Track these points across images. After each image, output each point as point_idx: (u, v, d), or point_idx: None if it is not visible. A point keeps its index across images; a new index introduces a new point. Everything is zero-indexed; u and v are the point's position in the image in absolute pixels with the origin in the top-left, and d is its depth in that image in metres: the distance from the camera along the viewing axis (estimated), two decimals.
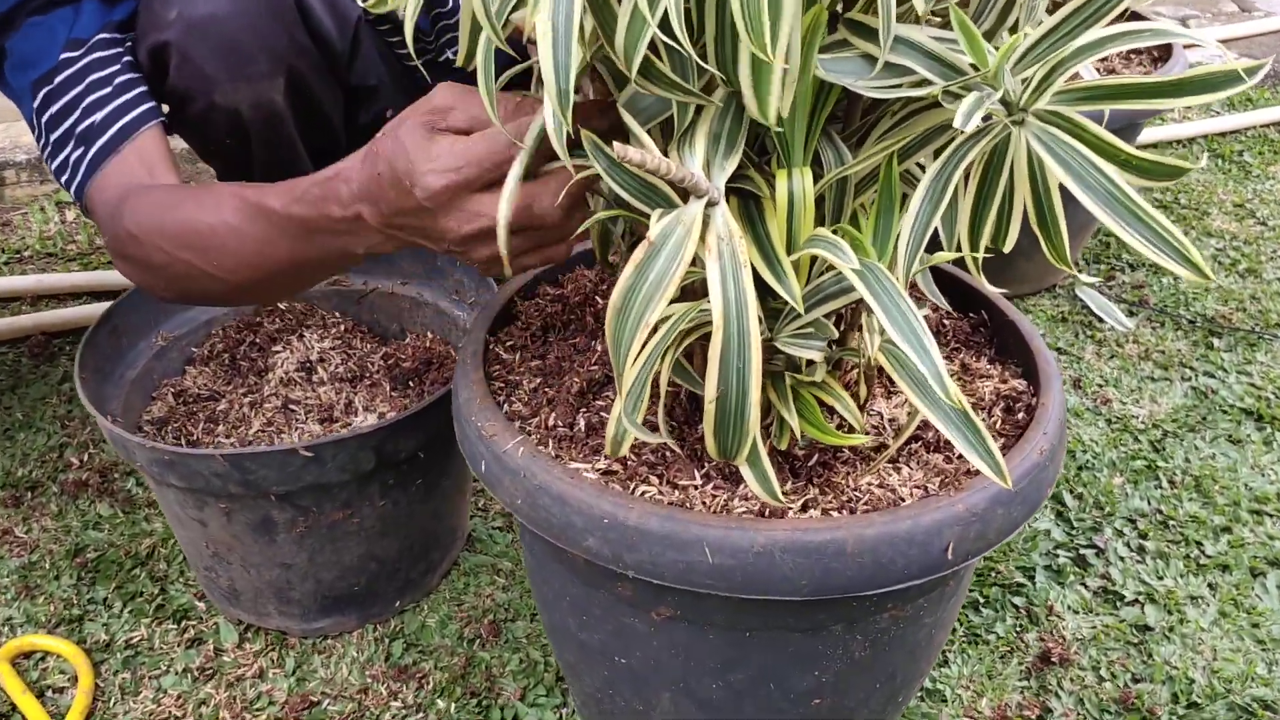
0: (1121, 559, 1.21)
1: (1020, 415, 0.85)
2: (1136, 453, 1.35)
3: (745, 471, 0.71)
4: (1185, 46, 2.00)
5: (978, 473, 0.77)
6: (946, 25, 0.74)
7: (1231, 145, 2.07)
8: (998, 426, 0.84)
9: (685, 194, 0.65)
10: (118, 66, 1.05)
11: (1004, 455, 0.78)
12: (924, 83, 0.68)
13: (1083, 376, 1.49)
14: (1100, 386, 1.47)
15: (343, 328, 1.25)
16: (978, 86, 0.68)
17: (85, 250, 1.81)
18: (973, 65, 0.69)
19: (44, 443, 1.38)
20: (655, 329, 0.68)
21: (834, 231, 0.72)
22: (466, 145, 0.71)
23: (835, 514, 0.75)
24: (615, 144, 0.59)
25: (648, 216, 0.66)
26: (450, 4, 1.26)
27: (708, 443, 0.70)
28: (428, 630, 1.12)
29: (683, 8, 0.56)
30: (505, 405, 0.85)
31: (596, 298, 0.99)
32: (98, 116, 1.02)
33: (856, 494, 0.77)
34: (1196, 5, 2.46)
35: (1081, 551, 1.22)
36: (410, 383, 1.19)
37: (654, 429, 0.78)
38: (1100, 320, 1.59)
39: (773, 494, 0.71)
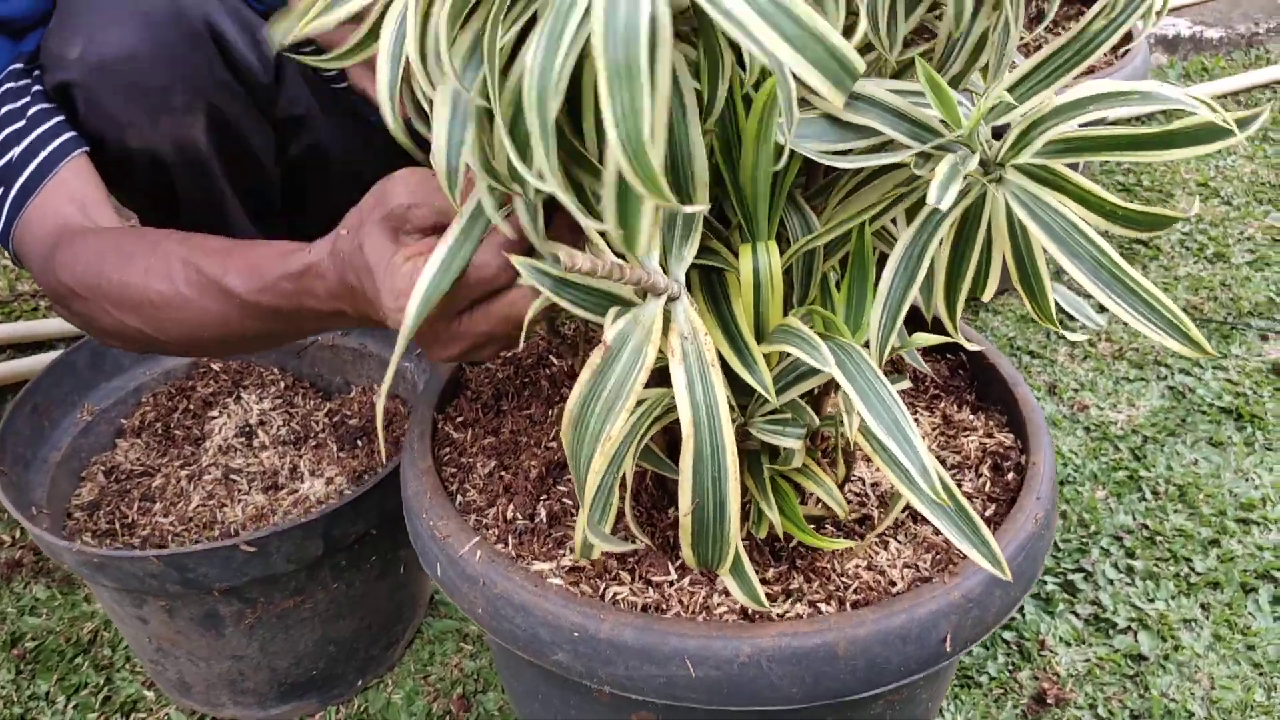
0: (1111, 581, 1.17)
1: (1010, 475, 0.79)
2: (1118, 462, 1.31)
3: (728, 581, 0.66)
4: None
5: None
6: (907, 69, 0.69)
7: None
8: (986, 489, 0.79)
9: (643, 289, 0.59)
10: (29, 98, 0.97)
11: (997, 527, 0.73)
12: (890, 145, 0.63)
13: (1057, 381, 1.44)
14: (1076, 391, 1.42)
15: (282, 385, 1.18)
16: (951, 146, 0.62)
17: (4, 298, 1.72)
18: (943, 122, 0.64)
19: None
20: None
21: (805, 308, 0.66)
22: None
23: (824, 607, 0.69)
24: (562, 251, 0.53)
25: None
26: None
27: (685, 554, 0.64)
28: (394, 708, 1.06)
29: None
30: (459, 495, 0.79)
31: (550, 357, 0.92)
32: (15, 152, 0.94)
33: (844, 580, 0.72)
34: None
35: (1070, 576, 1.17)
36: (359, 441, 1.12)
37: (620, 518, 0.71)
38: (1071, 318, 1.54)
39: (756, 599, 0.66)
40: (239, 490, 1.08)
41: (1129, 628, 1.12)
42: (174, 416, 1.13)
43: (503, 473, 0.80)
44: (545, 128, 0.45)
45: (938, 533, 0.76)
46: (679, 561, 0.72)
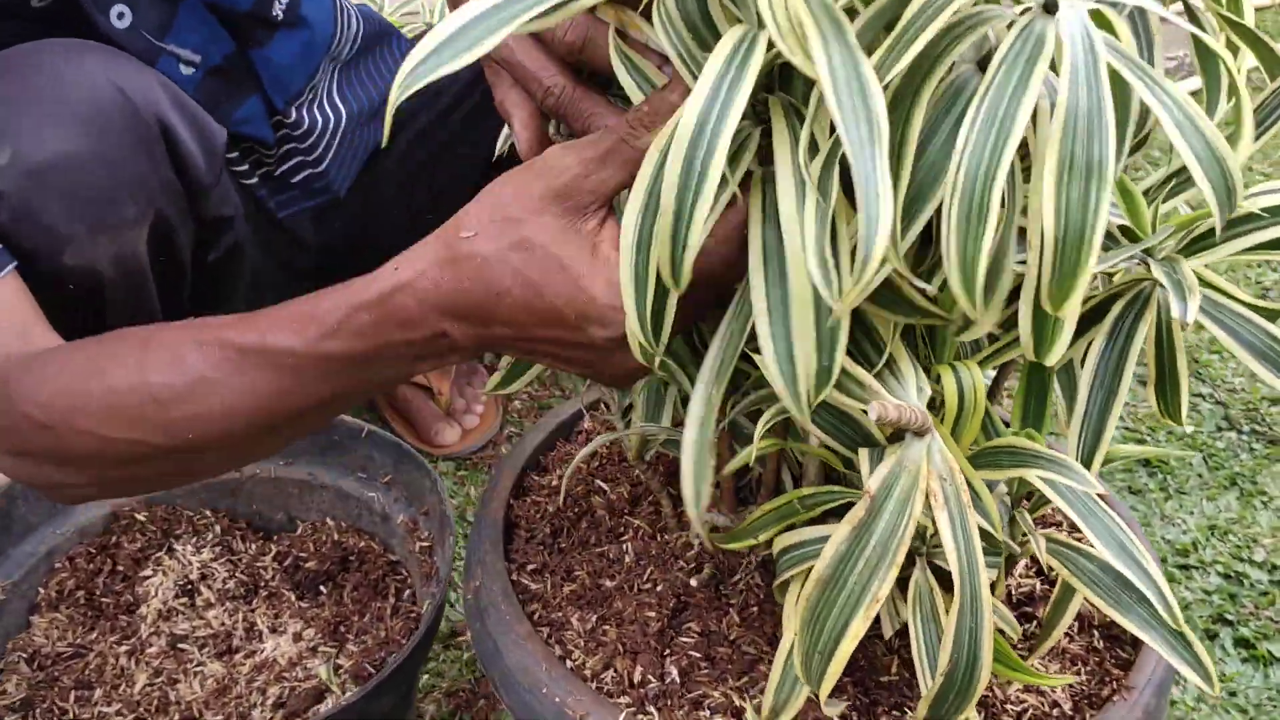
0: None
1: None
2: None
3: None
4: None
5: (1130, 661, 0.70)
6: None
7: None
8: None
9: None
10: None
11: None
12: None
13: None
14: None
15: (218, 529, 1.02)
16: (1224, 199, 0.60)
17: None
18: (1125, 230, 0.62)
19: None
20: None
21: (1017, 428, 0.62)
22: None
23: None
24: (873, 407, 0.46)
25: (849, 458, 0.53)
26: (305, 127, 1.07)
27: (920, 714, 0.57)
28: None
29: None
30: (565, 659, 0.69)
31: (598, 482, 0.83)
32: None
33: (1009, 707, 0.68)
34: None
35: None
36: (322, 587, 0.99)
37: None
38: None
39: None
40: (190, 661, 0.92)
41: None
42: (98, 581, 0.96)
43: (606, 626, 0.71)
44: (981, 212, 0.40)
45: (1071, 640, 0.73)
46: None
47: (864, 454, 0.53)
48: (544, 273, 0.54)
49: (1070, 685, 0.69)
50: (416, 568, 0.96)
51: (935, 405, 0.58)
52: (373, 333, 0.59)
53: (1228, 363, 1.63)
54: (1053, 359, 0.49)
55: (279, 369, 0.62)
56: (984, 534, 0.62)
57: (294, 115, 1.07)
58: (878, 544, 0.51)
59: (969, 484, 0.57)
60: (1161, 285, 0.58)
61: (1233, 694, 1.13)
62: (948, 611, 0.54)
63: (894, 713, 0.66)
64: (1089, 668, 0.71)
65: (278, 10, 1.00)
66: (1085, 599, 0.65)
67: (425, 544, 0.96)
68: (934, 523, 0.52)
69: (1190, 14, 0.67)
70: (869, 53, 0.44)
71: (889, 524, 0.51)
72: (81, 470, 0.69)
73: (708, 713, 0.66)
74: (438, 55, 0.46)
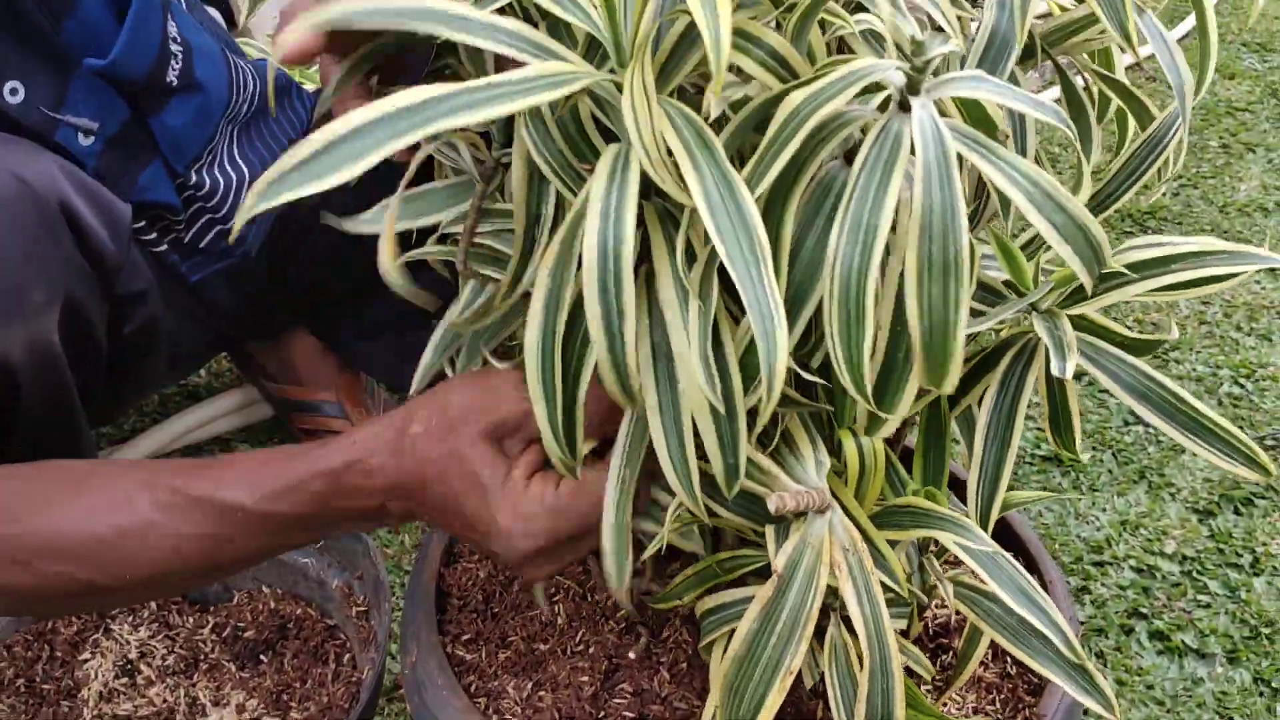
0: None
1: None
2: None
3: None
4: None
5: (1041, 686, 0.74)
6: None
7: None
8: None
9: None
10: None
11: None
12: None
13: None
14: None
15: (154, 605, 1.03)
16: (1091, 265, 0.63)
17: None
18: (1009, 284, 0.65)
19: None
20: None
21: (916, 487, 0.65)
22: (570, 503, 0.58)
23: None
24: (772, 499, 0.49)
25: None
26: (207, 188, 1.08)
27: None
28: None
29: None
30: None
31: None
32: None
33: None
34: None
35: None
36: (262, 657, 1.00)
37: None
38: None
39: None
40: None
41: None
42: (37, 668, 0.96)
43: (542, 693, 0.73)
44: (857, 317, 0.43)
45: (986, 668, 0.77)
46: None
47: (770, 531, 0.56)
48: (464, 486, 0.60)
49: (978, 710, 0.73)
50: (355, 632, 0.98)
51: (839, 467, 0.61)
52: (321, 499, 0.64)
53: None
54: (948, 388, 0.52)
55: (227, 521, 0.65)
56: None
57: (194, 178, 1.08)
58: (787, 620, 0.54)
59: (873, 544, 0.61)
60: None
61: (1150, 687, 1.18)
62: (862, 667, 0.57)
63: None
64: (1003, 695, 0.75)
65: (172, 76, 1.01)
66: None
67: (362, 608, 0.97)
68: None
69: (1062, 74, 0.71)
70: (740, 158, 0.47)
71: (796, 600, 0.54)
72: (4, 600, 0.70)
73: None
74: (300, 172, 0.44)
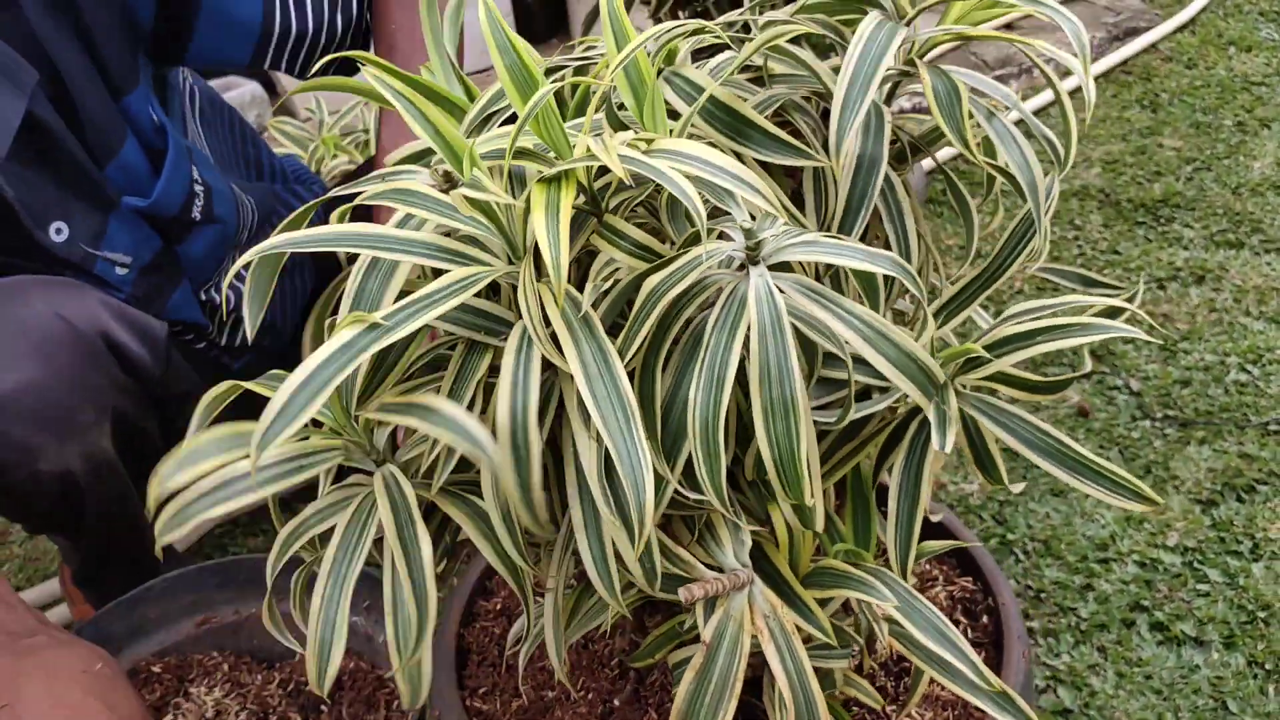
0: None
1: (984, 619, 0.91)
2: (988, 531, 1.47)
3: None
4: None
5: None
6: None
7: (933, 185, 2.27)
8: (971, 636, 0.90)
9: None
10: None
11: (1000, 671, 0.84)
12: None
13: None
14: None
15: (226, 667, 1.16)
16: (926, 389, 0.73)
17: None
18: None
19: None
20: None
21: (840, 546, 0.75)
22: None
23: None
24: (681, 590, 0.59)
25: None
26: (219, 304, 1.22)
27: None
28: None
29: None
30: None
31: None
32: None
33: None
34: None
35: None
36: (322, 707, 1.12)
37: None
38: None
39: None
40: None
41: (1049, 686, 1.26)
42: None
43: None
44: (713, 451, 0.52)
45: (943, 688, 0.86)
46: None
47: (698, 608, 0.66)
48: None
49: None
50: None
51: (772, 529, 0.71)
52: None
53: (1141, 350, 1.75)
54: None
55: None
56: (836, 631, 0.75)
57: (204, 297, 1.21)
58: (717, 682, 0.65)
59: (802, 602, 0.70)
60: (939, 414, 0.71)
61: (1149, 677, 1.26)
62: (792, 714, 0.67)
63: None
64: (956, 711, 0.84)
65: (196, 213, 1.14)
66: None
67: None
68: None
69: (943, 171, 0.80)
70: (618, 327, 0.57)
71: (724, 665, 0.65)
72: None
73: None
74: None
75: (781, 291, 0.55)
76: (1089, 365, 0.88)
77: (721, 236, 0.56)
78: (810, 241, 0.55)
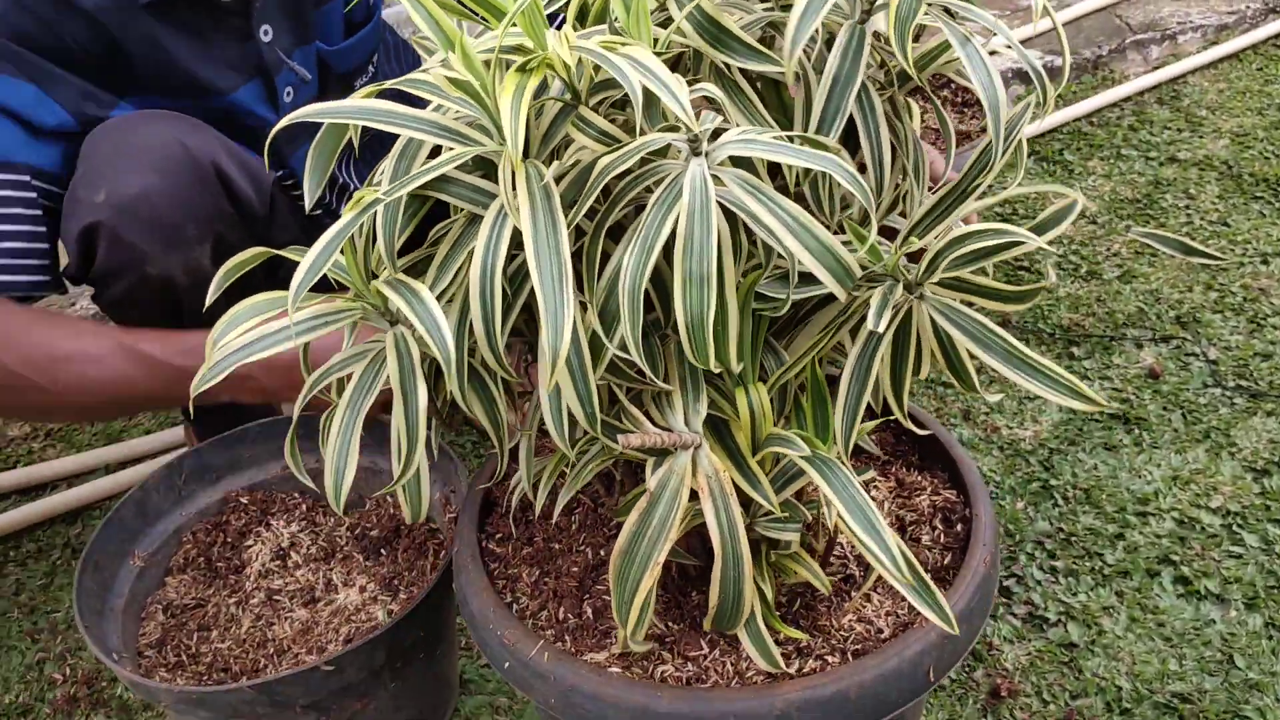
0: (1039, 582, 1.37)
1: (958, 527, 0.98)
2: (1031, 475, 1.52)
3: (750, 651, 0.83)
4: (991, 53, 2.18)
5: (946, 585, 0.91)
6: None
7: (1051, 145, 2.27)
8: (941, 540, 0.97)
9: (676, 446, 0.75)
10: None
11: (956, 572, 0.91)
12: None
13: (970, 408, 1.64)
14: (987, 415, 1.63)
15: (304, 507, 1.32)
16: (879, 279, 0.80)
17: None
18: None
19: (20, 661, 1.41)
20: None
21: (785, 426, 0.83)
22: None
23: (830, 659, 0.87)
24: (619, 436, 0.69)
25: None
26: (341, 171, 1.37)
27: (707, 625, 0.81)
28: None
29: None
30: (514, 604, 0.95)
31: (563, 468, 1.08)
32: None
33: (842, 634, 0.90)
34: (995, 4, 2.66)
35: (1004, 582, 1.37)
36: (382, 551, 1.27)
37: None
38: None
39: (774, 664, 0.83)
40: (283, 609, 1.21)
41: (1059, 621, 1.32)
42: (214, 550, 1.27)
43: (546, 580, 0.96)
44: (635, 308, 0.62)
45: None
46: (708, 636, 0.89)
47: (650, 462, 0.76)
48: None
49: (890, 614, 0.90)
50: (449, 533, 1.23)
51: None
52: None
53: (1228, 321, 1.75)
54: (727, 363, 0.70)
55: (136, 363, 1.05)
56: (787, 508, 0.84)
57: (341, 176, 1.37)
58: (656, 525, 0.75)
59: (751, 470, 0.79)
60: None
61: (1161, 625, 1.30)
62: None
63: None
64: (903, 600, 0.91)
65: (360, 83, 1.32)
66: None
67: (453, 515, 1.22)
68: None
69: (929, 98, 0.86)
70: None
71: (664, 512, 0.74)
72: None
73: (611, 640, 0.90)
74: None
75: (720, 182, 0.64)
76: (1054, 277, 0.93)
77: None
78: (749, 140, 0.63)
